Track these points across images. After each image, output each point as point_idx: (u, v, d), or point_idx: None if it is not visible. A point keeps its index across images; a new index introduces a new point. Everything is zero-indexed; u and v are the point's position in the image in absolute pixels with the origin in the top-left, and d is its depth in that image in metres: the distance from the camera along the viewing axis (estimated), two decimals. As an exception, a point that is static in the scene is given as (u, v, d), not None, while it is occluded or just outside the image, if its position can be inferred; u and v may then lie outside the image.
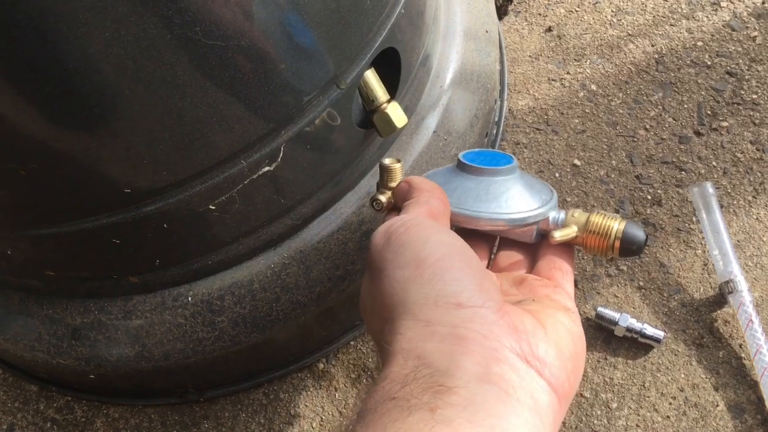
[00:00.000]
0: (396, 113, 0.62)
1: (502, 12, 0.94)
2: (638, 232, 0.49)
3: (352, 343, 0.75)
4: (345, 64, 0.56)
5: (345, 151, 0.63)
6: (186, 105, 0.48)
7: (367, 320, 0.46)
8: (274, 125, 0.53)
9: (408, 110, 0.70)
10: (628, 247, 0.49)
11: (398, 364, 0.38)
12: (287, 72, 0.51)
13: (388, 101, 0.62)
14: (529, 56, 0.92)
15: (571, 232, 0.50)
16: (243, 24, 0.46)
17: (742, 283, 0.68)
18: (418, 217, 0.45)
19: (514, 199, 0.51)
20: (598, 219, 0.50)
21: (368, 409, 0.36)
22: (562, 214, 0.51)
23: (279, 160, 0.56)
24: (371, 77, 0.60)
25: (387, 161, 0.52)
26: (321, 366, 0.75)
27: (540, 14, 0.95)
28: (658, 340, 0.69)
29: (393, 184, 0.52)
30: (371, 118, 0.62)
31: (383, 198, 0.52)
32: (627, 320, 0.69)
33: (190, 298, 0.66)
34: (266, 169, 0.56)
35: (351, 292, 0.68)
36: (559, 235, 0.50)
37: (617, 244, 0.49)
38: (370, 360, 0.74)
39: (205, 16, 0.43)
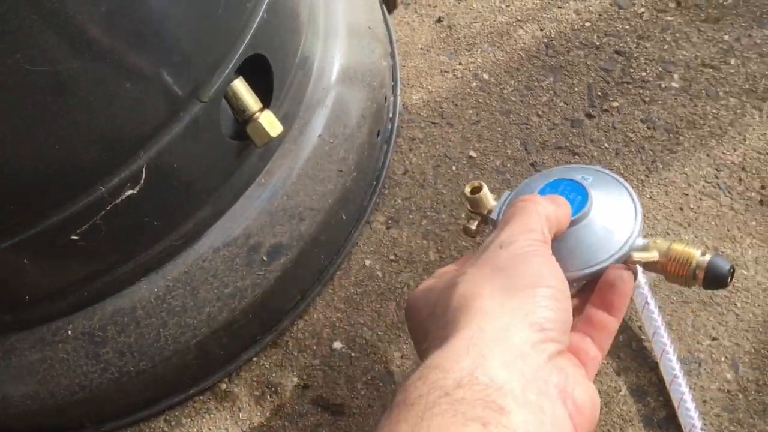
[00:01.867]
0: (270, 122, 0.59)
1: (391, 5, 0.92)
2: (723, 264, 0.49)
3: (254, 359, 0.73)
4: (203, 76, 0.53)
5: (220, 165, 0.60)
6: (28, 136, 0.45)
7: (431, 307, 0.47)
8: (130, 147, 0.51)
9: (289, 116, 0.67)
10: (713, 278, 0.49)
11: (458, 353, 0.39)
12: (135, 91, 0.48)
13: (261, 110, 0.59)
14: (421, 49, 0.90)
15: (651, 256, 0.52)
16: (73, 46, 0.43)
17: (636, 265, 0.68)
18: (548, 250, 0.48)
19: (599, 245, 0.51)
20: (679, 247, 0.51)
21: (420, 396, 0.38)
22: (643, 242, 0.52)
23: (142, 182, 0.53)
24: (240, 86, 0.58)
25: (468, 191, 0.55)
26: (223, 386, 0.72)
27: (429, 5, 0.93)
28: None
29: (483, 210, 0.55)
30: (245, 129, 0.60)
31: (473, 226, 0.56)
32: None
33: (70, 332, 0.62)
34: (129, 192, 0.53)
35: (244, 308, 0.66)
36: (638, 257, 0.52)
37: (700, 274, 0.50)
38: (273, 375, 0.72)
39: (27, 41, 0.40)
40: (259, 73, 0.61)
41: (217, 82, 0.54)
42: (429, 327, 0.46)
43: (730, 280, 0.51)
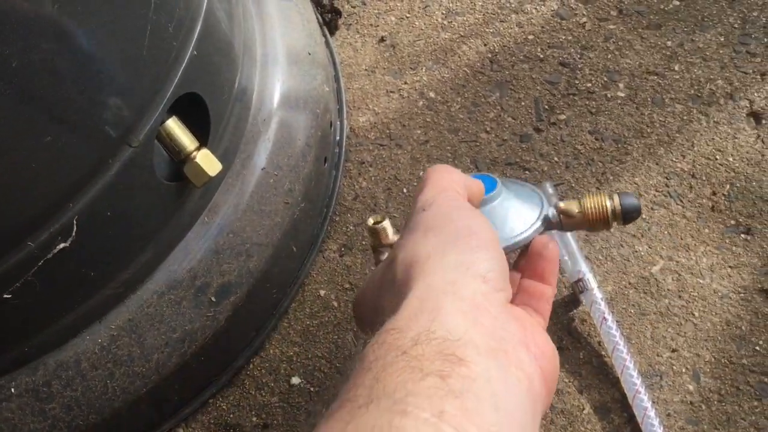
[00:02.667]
0: (207, 161, 0.58)
1: (332, 27, 0.91)
2: (633, 200, 0.54)
3: (210, 401, 0.71)
4: (132, 119, 0.51)
5: (158, 209, 0.58)
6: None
7: (376, 291, 0.46)
8: (58, 199, 0.48)
9: (229, 151, 0.66)
10: (629, 216, 0.54)
11: (411, 312, 0.39)
12: (58, 140, 0.46)
13: (198, 149, 0.57)
14: (365, 70, 0.89)
15: (572, 211, 0.55)
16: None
17: (591, 281, 0.67)
18: (456, 199, 0.48)
19: (516, 220, 0.54)
20: (590, 202, 0.54)
21: (377, 358, 0.36)
22: (554, 211, 0.55)
23: (74, 234, 0.51)
24: (173, 127, 0.56)
25: (371, 222, 0.54)
26: (180, 431, 0.70)
27: (372, 24, 0.92)
28: None
29: (385, 243, 0.54)
30: (182, 170, 0.58)
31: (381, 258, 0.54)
32: None
33: (13, 390, 0.60)
34: (62, 245, 0.51)
35: (195, 352, 0.64)
36: (563, 217, 0.55)
37: (617, 218, 0.54)
38: (231, 416, 0.70)
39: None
40: (194, 110, 0.59)
41: (148, 125, 0.52)
42: (380, 307, 0.45)
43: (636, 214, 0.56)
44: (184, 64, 0.55)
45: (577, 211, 0.54)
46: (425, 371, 0.35)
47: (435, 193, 0.48)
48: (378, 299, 0.46)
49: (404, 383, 0.35)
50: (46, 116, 0.45)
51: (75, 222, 0.50)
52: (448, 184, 0.49)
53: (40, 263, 0.50)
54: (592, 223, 0.55)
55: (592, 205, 0.54)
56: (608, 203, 0.54)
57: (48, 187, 0.47)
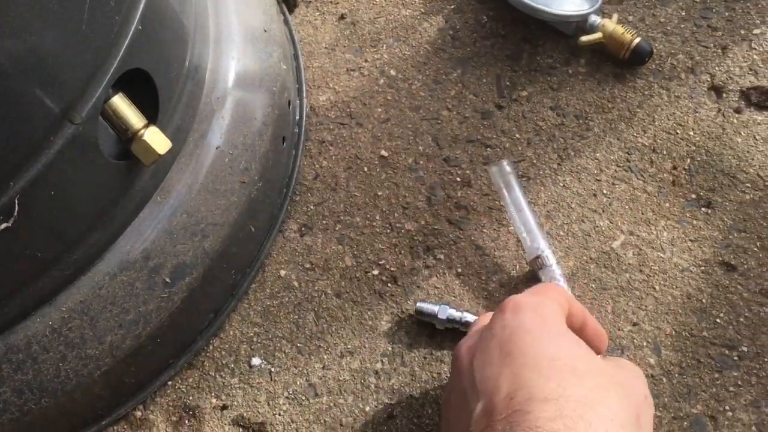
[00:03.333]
0: (156, 139, 0.56)
1: (291, 4, 0.89)
2: (646, 47, 0.78)
3: (169, 383, 0.70)
4: (73, 95, 0.50)
5: (106, 188, 0.57)
6: None
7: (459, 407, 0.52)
8: (-4, 178, 0.47)
9: (181, 129, 0.64)
10: (638, 59, 0.79)
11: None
12: (-8, 118, 0.45)
13: (146, 126, 0.56)
14: (325, 48, 0.88)
15: (596, 38, 0.79)
16: None
17: (550, 258, 0.67)
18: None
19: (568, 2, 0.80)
20: (620, 30, 0.78)
21: None
22: (598, 20, 0.79)
23: (16, 214, 0.50)
24: (120, 103, 0.55)
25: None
26: (138, 414, 0.69)
27: (331, 2, 0.91)
28: None
29: None
30: (129, 148, 0.57)
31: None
32: (446, 312, 0.67)
33: (-39, 374, 0.59)
34: (3, 226, 0.50)
35: (150, 333, 0.63)
36: (585, 39, 0.79)
37: (629, 53, 0.78)
38: (191, 398, 0.69)
39: None
40: (144, 86, 0.58)
41: (91, 101, 0.51)
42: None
43: (648, 59, 0.79)
44: (128, 39, 0.53)
45: (611, 28, 0.78)
46: None
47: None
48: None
49: None
50: (-21, 91, 0.44)
51: (16, 201, 0.49)
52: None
53: (-20, 244, 0.49)
54: (611, 46, 0.79)
55: (619, 33, 0.78)
56: (630, 38, 0.77)
57: (-16, 164, 0.46)
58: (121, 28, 0.52)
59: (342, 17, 0.89)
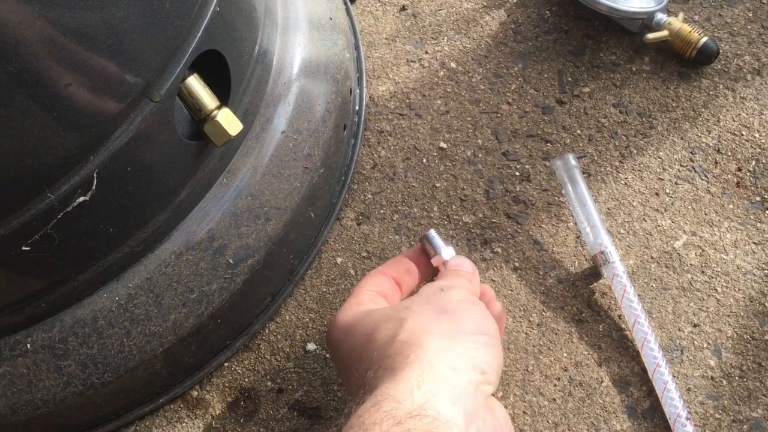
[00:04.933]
0: (229, 120, 0.57)
1: (353, -5, 0.90)
2: (713, 46, 0.77)
3: (225, 364, 0.71)
4: (154, 74, 0.51)
5: (178, 167, 0.58)
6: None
7: (362, 327, 0.54)
8: (77, 152, 0.48)
9: (249, 113, 0.65)
10: (704, 58, 0.78)
11: (410, 388, 0.45)
12: (80, 91, 0.45)
13: (219, 107, 0.57)
14: (386, 39, 0.88)
15: (662, 35, 0.78)
16: (13, 45, 0.40)
17: (613, 254, 0.67)
18: (472, 295, 0.57)
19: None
20: (687, 28, 0.77)
21: (374, 423, 0.43)
22: (664, 18, 0.78)
23: (94, 188, 0.50)
24: (195, 84, 0.56)
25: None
26: (195, 393, 0.70)
27: (393, -7, 0.91)
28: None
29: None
30: (202, 129, 0.57)
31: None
32: (452, 254, 0.62)
33: (29, 345, 0.60)
34: (81, 199, 0.51)
35: (211, 313, 0.64)
36: (651, 37, 0.78)
37: (695, 52, 0.77)
38: (246, 380, 0.69)
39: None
40: (216, 69, 0.58)
41: (170, 80, 0.52)
42: (369, 352, 0.51)
43: (714, 59, 0.78)
44: (206, 20, 0.54)
45: (677, 27, 0.77)
46: None
47: (456, 283, 0.56)
48: (366, 344, 0.52)
49: None
50: (71, 66, 0.44)
51: (95, 175, 0.50)
52: (465, 284, 0.57)
53: (59, 216, 0.50)
54: (677, 44, 0.78)
55: (686, 31, 0.77)
56: (696, 37, 0.77)
57: (70, 136, 0.47)
58: (200, 9, 0.53)
59: (403, 8, 0.89)
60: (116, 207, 0.54)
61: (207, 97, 0.56)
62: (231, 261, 0.64)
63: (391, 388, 0.45)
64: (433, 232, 0.62)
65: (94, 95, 0.46)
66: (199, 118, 0.56)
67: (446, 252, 0.62)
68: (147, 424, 0.69)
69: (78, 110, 0.46)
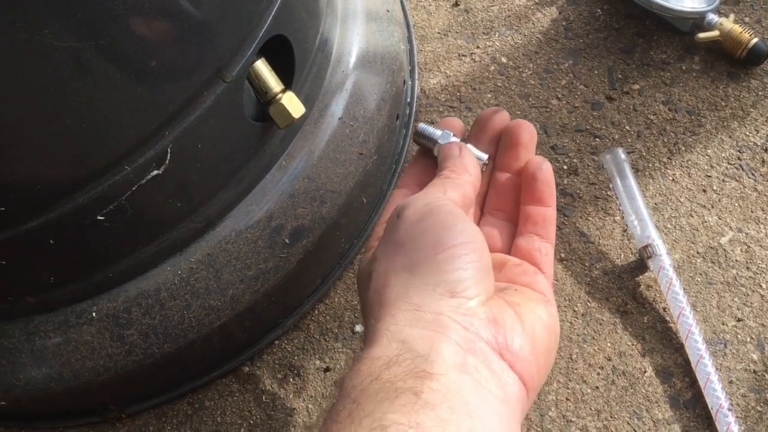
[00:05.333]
0: (292, 103, 0.59)
1: (407, -11, 0.92)
2: (764, 47, 0.78)
3: (276, 342, 0.73)
4: (227, 56, 0.53)
5: (243, 147, 0.60)
6: (53, 115, 0.45)
7: (362, 293, 0.48)
8: (156, 126, 0.51)
9: (309, 98, 0.67)
10: (754, 58, 0.79)
11: (382, 344, 0.40)
12: (160, 70, 0.48)
13: (283, 91, 0.59)
14: (438, 33, 0.90)
15: (713, 35, 0.79)
16: (99, 24, 0.43)
17: (660, 247, 0.68)
18: (449, 204, 0.46)
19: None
20: (737, 29, 0.79)
21: (354, 386, 0.39)
22: (715, 18, 0.80)
23: (167, 162, 0.53)
24: (262, 67, 0.58)
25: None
26: (246, 369, 0.72)
27: (446, -11, 0.93)
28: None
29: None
30: (267, 111, 0.60)
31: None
32: (449, 138, 0.56)
33: (94, 314, 0.63)
34: (155, 173, 0.53)
35: (266, 291, 0.66)
36: (702, 37, 0.79)
37: (746, 52, 0.79)
38: (296, 358, 0.72)
39: (53, 17, 0.40)
40: (281, 55, 0.61)
41: (241, 62, 0.54)
42: (361, 307, 0.48)
43: (764, 60, 0.79)
44: (276, 8, 0.56)
45: (728, 27, 0.79)
46: (399, 390, 0.37)
47: (408, 195, 0.50)
48: (360, 292, 0.49)
49: (381, 403, 0.37)
50: (157, 44, 0.47)
51: (169, 150, 0.52)
52: (435, 189, 0.48)
53: (133, 188, 0.53)
54: (728, 44, 0.79)
55: (737, 32, 0.78)
56: (747, 38, 0.78)
57: (152, 112, 0.49)
58: (272, -5, 0.55)
59: (456, 4, 0.91)
60: (185, 182, 0.57)
61: (273, 81, 0.58)
62: (287, 241, 0.66)
63: (366, 352, 0.41)
64: (422, 125, 0.57)
65: (175, 73, 0.49)
66: (265, 100, 0.59)
67: (442, 139, 0.56)
68: (200, 396, 0.72)
69: (161, 87, 0.49)
